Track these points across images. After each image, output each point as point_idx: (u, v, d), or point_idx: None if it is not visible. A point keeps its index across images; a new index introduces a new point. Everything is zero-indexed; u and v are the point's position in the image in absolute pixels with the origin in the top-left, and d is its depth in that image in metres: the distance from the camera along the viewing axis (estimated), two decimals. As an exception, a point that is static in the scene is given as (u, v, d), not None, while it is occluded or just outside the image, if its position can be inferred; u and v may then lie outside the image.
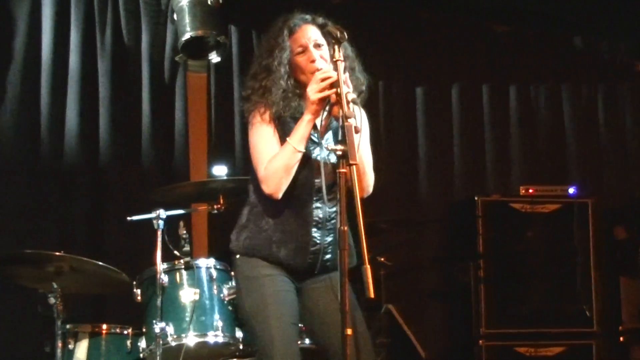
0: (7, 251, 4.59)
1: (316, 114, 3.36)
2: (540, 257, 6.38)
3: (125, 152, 5.80)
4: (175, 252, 4.58)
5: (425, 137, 6.80)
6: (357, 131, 3.14)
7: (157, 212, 4.52)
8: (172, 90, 5.97)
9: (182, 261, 4.53)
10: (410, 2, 6.82)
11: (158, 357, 4.30)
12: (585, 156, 7.12)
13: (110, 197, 5.71)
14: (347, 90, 3.24)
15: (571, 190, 6.51)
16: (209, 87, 6.15)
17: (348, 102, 3.19)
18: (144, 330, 4.50)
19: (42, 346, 4.56)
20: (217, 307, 4.46)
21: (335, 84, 3.24)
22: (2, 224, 5.39)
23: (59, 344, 4.37)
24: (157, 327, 4.33)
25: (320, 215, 3.48)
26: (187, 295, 4.46)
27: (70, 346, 4.51)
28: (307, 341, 4.19)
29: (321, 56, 3.44)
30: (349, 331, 3.04)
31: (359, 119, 3.19)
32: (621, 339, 6.56)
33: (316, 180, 3.45)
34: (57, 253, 4.33)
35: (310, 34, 3.48)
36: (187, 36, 5.47)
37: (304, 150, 3.38)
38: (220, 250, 4.79)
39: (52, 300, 4.34)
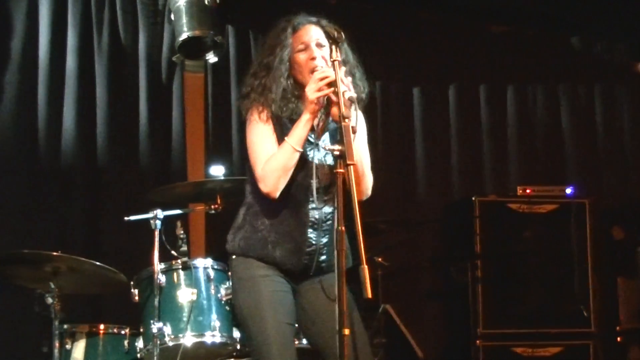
0: (4, 251, 4.58)
1: (314, 114, 3.36)
2: (537, 257, 6.38)
3: (123, 152, 5.80)
4: (173, 252, 4.58)
5: (422, 137, 6.81)
6: (353, 131, 3.15)
7: (155, 212, 4.52)
8: (170, 90, 5.97)
9: (179, 261, 4.53)
10: (407, 2, 6.82)
11: (155, 357, 4.30)
12: (583, 156, 7.12)
13: (108, 197, 5.71)
14: (345, 89, 3.24)
15: (568, 191, 6.51)
16: (206, 87, 6.15)
17: (346, 102, 3.20)
18: (141, 330, 4.51)
19: (40, 346, 4.56)
20: (214, 307, 4.46)
21: (333, 84, 3.24)
22: (0, 224, 5.39)
23: (57, 344, 4.38)
24: (155, 327, 4.33)
25: (316, 216, 3.48)
26: (185, 295, 4.46)
27: (68, 346, 4.51)
28: (304, 341, 4.18)
29: (322, 56, 3.44)
30: (347, 331, 3.04)
31: (354, 119, 3.19)
32: (619, 339, 6.56)
33: (312, 181, 3.44)
34: (55, 253, 4.33)
35: (313, 33, 3.48)
36: (184, 36, 5.46)
37: (301, 150, 3.38)
38: (218, 251, 4.77)
39: (49, 300, 4.34)
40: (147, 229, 4.53)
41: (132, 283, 4.55)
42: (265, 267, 3.47)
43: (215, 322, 4.41)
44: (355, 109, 3.21)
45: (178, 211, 4.76)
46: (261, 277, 3.45)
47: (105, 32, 5.81)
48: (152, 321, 4.35)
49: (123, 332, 4.56)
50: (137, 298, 4.54)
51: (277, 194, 3.39)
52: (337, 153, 3.15)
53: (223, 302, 4.47)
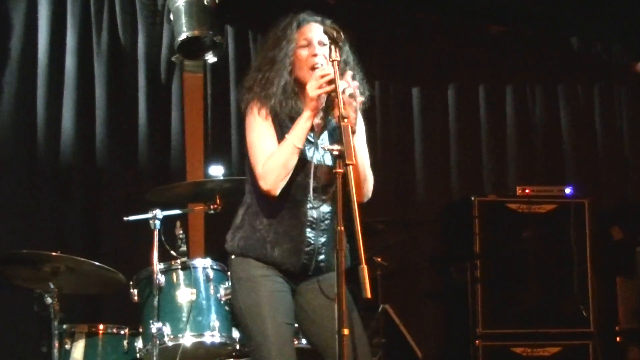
0: (4, 251, 4.57)
1: (315, 111, 3.36)
2: (536, 257, 6.38)
3: (122, 152, 5.80)
4: (172, 252, 4.58)
5: (421, 137, 6.81)
6: (353, 130, 3.15)
7: (154, 212, 4.52)
8: (169, 90, 5.97)
9: (178, 261, 4.53)
10: (406, 2, 6.83)
11: (155, 357, 4.29)
12: (582, 156, 7.13)
13: (107, 197, 5.71)
14: (345, 86, 3.25)
15: (567, 191, 6.52)
16: (205, 87, 6.15)
17: (347, 100, 3.20)
18: (140, 330, 4.51)
19: (39, 346, 4.55)
20: (213, 307, 4.46)
21: (333, 82, 3.24)
22: (-1, 224, 5.40)
23: (56, 344, 4.37)
24: (154, 327, 4.33)
25: (315, 216, 3.47)
26: (184, 295, 4.45)
27: (67, 346, 4.51)
28: (303, 341, 4.18)
29: (324, 55, 3.44)
30: (346, 331, 3.04)
31: (355, 116, 3.20)
32: (618, 339, 6.57)
33: (310, 181, 3.44)
34: (54, 253, 4.33)
35: (317, 31, 3.48)
36: (183, 36, 5.46)
37: (302, 147, 3.38)
38: (217, 251, 4.78)
39: (48, 301, 4.34)
40: (147, 229, 4.53)
41: (131, 283, 4.54)
42: (265, 267, 3.46)
43: (215, 322, 4.41)
44: (357, 107, 3.21)
45: (177, 211, 4.76)
46: (260, 277, 3.45)
47: (105, 33, 5.81)
48: (151, 321, 4.35)
49: (122, 332, 4.56)
50: (136, 298, 4.54)
51: (277, 192, 3.38)
52: (336, 153, 3.15)
53: (222, 302, 4.47)
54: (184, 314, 4.41)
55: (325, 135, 3.53)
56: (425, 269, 6.62)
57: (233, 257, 3.54)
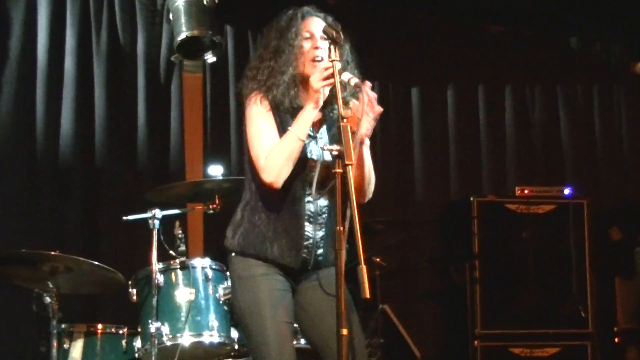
0: (3, 251, 4.58)
1: (318, 103, 3.35)
2: (535, 257, 6.38)
3: (121, 152, 5.79)
4: (171, 252, 4.58)
5: (420, 137, 6.81)
6: (353, 132, 3.16)
7: (153, 211, 4.52)
8: (168, 90, 5.97)
9: (177, 261, 4.53)
10: (405, 2, 6.83)
11: (153, 357, 4.30)
12: (581, 157, 7.13)
13: (106, 197, 5.71)
14: (350, 76, 3.26)
15: (566, 191, 6.51)
16: (205, 87, 6.15)
17: (344, 101, 3.21)
18: (139, 330, 4.51)
19: (38, 346, 4.55)
20: (212, 307, 4.46)
21: (333, 77, 3.25)
22: (-2, 224, 5.40)
23: (54, 344, 4.36)
24: (153, 326, 4.33)
25: (312, 210, 3.46)
26: (183, 295, 4.46)
27: (66, 346, 4.51)
28: (302, 341, 4.18)
29: (325, 49, 3.45)
30: (345, 332, 3.04)
31: (360, 103, 3.22)
32: (616, 339, 6.57)
33: (314, 174, 3.42)
34: (53, 253, 4.33)
35: (319, 25, 3.48)
36: (182, 36, 5.45)
37: (305, 140, 3.37)
38: (216, 250, 4.80)
39: (47, 300, 4.34)
40: (146, 228, 4.53)
41: (130, 283, 4.55)
42: (264, 265, 3.45)
43: (213, 322, 4.41)
44: (362, 95, 3.22)
45: (176, 211, 4.76)
46: (260, 276, 3.44)
47: (104, 33, 5.80)
48: (150, 321, 4.35)
49: (121, 331, 4.56)
50: (135, 298, 4.54)
51: (279, 185, 3.36)
52: (335, 153, 3.15)
53: (221, 302, 4.47)
54: (183, 314, 4.41)
55: (324, 130, 3.53)
56: (424, 269, 6.62)
57: (233, 254, 3.53)
